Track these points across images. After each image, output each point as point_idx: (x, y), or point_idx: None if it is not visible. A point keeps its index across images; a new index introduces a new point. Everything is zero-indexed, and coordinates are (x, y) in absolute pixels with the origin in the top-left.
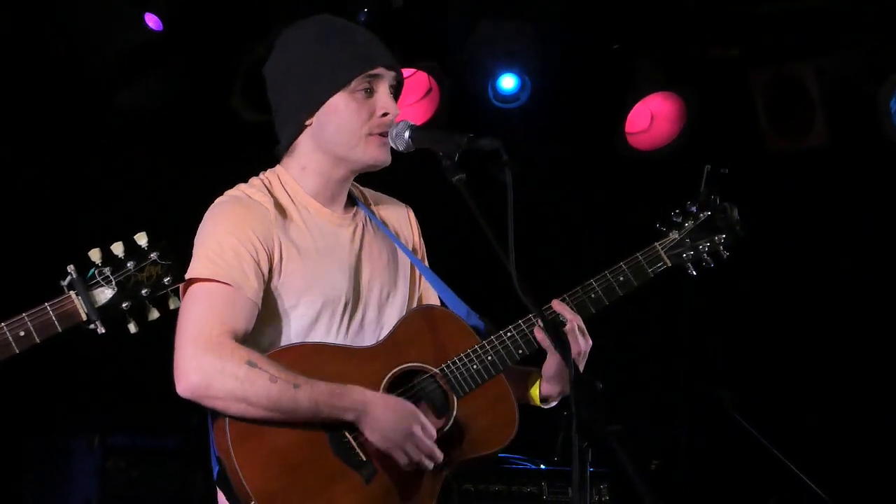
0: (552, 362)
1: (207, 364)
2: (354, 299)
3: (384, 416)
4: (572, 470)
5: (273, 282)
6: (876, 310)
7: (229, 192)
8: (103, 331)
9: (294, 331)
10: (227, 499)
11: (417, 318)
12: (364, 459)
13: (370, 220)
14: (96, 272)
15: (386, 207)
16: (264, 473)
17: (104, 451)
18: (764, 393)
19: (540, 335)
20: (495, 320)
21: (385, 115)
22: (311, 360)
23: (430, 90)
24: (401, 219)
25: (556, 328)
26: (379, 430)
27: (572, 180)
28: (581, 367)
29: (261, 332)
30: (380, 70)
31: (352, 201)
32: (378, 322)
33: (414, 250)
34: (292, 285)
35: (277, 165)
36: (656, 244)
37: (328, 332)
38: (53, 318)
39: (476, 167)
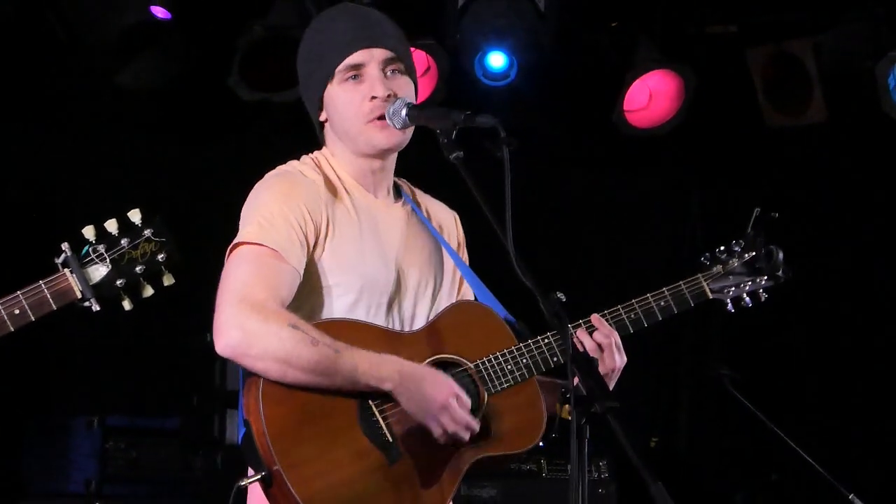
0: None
1: (250, 323)
2: (394, 287)
3: (421, 386)
4: (571, 447)
5: (317, 255)
6: (876, 286)
7: (281, 167)
8: (98, 308)
9: (333, 308)
10: (250, 463)
11: (460, 311)
12: (390, 441)
13: (415, 213)
14: (90, 250)
15: (433, 207)
16: (292, 439)
17: (104, 432)
18: (764, 370)
19: (589, 345)
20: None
21: (373, 98)
22: (352, 335)
23: (428, 69)
24: (447, 221)
25: (559, 314)
26: (415, 401)
27: (569, 158)
28: (613, 382)
29: (301, 304)
30: (358, 55)
31: (398, 194)
32: (412, 313)
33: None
34: (335, 263)
35: (324, 148)
36: (700, 276)
37: (367, 314)
38: (48, 295)
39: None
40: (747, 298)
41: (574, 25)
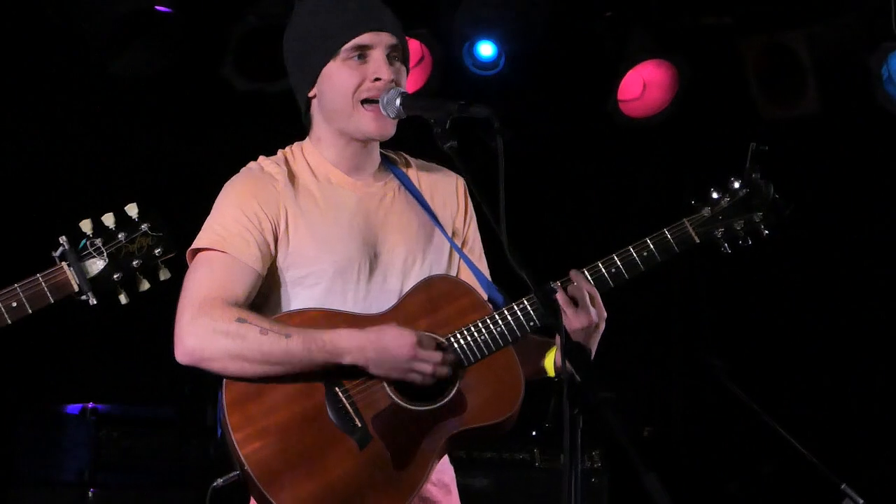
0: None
1: (200, 326)
2: (371, 266)
3: (380, 347)
4: (564, 436)
5: (282, 252)
6: (869, 277)
7: (247, 165)
8: (95, 302)
9: (309, 300)
10: (228, 463)
11: (425, 287)
12: (359, 425)
13: (403, 187)
14: (88, 243)
15: (430, 176)
16: (258, 439)
17: (97, 420)
18: (756, 360)
19: (562, 299)
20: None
21: (377, 79)
22: (317, 324)
23: (422, 58)
24: (446, 189)
25: (547, 296)
26: (382, 363)
27: (562, 147)
28: (597, 339)
29: (275, 302)
30: (367, 36)
31: (385, 168)
32: (400, 289)
33: (456, 224)
34: (302, 254)
35: (306, 138)
36: (685, 220)
37: (344, 300)
38: (45, 288)
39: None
40: (746, 237)
41: (568, 15)
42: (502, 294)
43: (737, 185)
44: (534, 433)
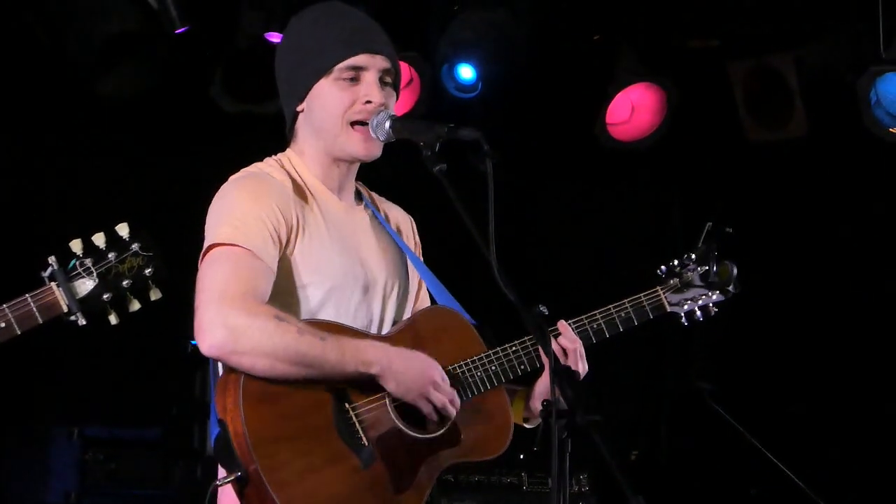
0: (543, 381)
1: (234, 320)
2: (362, 288)
3: (407, 367)
4: (552, 460)
5: (288, 254)
6: (855, 299)
7: (246, 169)
8: (84, 322)
9: (304, 309)
10: (224, 464)
11: (434, 316)
12: (365, 444)
13: (376, 217)
14: (77, 263)
15: (392, 211)
16: (271, 440)
17: (83, 443)
18: (743, 384)
19: (555, 346)
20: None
21: (368, 102)
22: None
23: (410, 80)
24: (405, 224)
25: (539, 322)
26: (403, 382)
27: (550, 170)
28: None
29: (272, 303)
30: (362, 57)
31: (359, 198)
32: (380, 315)
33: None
34: (305, 263)
35: (287, 149)
36: (659, 289)
37: (335, 315)
38: (34, 309)
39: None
40: (699, 313)
41: (556, 38)
42: (485, 330)
43: (690, 262)
44: (521, 457)
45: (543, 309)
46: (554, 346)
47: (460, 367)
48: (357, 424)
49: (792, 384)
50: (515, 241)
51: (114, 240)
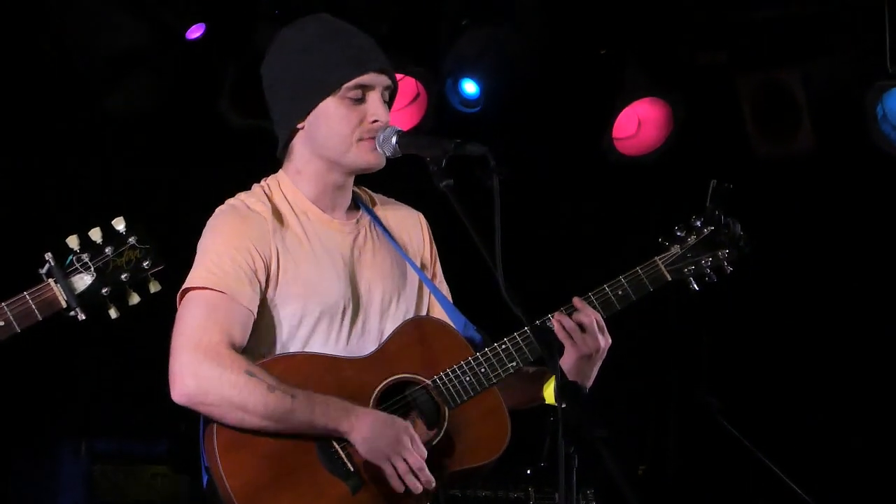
0: (567, 360)
1: (205, 371)
2: (354, 307)
3: (373, 427)
4: (559, 475)
5: (270, 291)
6: (862, 314)
7: (229, 202)
8: (84, 317)
9: (293, 339)
10: None
11: (410, 329)
12: (352, 470)
13: (374, 226)
14: (74, 259)
15: (395, 213)
16: (252, 484)
17: (91, 457)
18: (750, 399)
19: (568, 325)
20: (496, 332)
21: (375, 121)
22: (302, 370)
23: (417, 96)
24: (411, 226)
25: (544, 334)
26: (368, 442)
27: (556, 185)
28: (597, 365)
29: (261, 340)
30: (370, 76)
31: (356, 206)
32: (380, 330)
33: (424, 259)
34: (290, 293)
35: (279, 170)
36: (657, 258)
37: (327, 340)
38: (33, 306)
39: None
40: (711, 273)
41: (563, 52)
42: (480, 333)
43: (699, 222)
44: (528, 471)
45: (557, 314)
46: (569, 322)
47: (446, 374)
48: (340, 452)
49: (800, 399)
50: (520, 256)
51: (110, 234)
